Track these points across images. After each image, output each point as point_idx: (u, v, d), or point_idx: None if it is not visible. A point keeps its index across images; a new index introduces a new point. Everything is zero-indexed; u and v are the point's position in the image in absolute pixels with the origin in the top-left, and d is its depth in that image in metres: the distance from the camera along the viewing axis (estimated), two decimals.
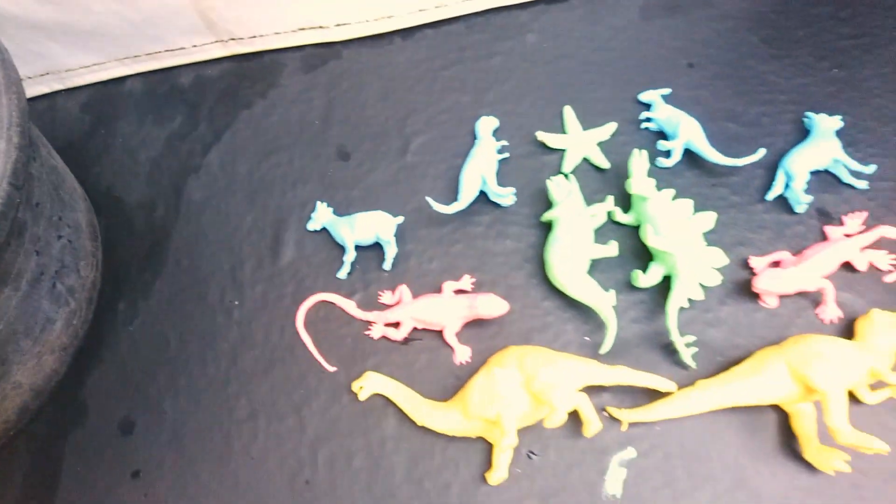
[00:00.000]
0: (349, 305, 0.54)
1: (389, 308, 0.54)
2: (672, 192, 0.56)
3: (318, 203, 0.58)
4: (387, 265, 0.56)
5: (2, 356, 0.43)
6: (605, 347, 0.50)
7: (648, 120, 0.61)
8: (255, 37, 0.65)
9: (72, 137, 0.66)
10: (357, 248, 0.57)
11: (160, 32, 0.62)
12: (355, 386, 0.52)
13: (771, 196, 0.56)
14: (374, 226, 0.55)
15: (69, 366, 0.52)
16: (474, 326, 0.54)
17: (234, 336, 0.55)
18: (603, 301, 0.51)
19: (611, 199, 0.54)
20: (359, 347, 0.54)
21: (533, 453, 0.49)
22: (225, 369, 0.54)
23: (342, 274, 0.56)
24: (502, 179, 0.59)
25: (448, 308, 0.52)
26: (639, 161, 0.56)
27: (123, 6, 0.58)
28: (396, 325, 0.53)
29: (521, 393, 0.47)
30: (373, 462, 0.50)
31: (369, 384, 0.51)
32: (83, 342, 0.54)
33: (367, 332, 0.54)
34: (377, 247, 0.57)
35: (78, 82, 0.66)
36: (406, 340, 0.53)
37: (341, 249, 0.57)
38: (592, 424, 0.47)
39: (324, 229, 0.58)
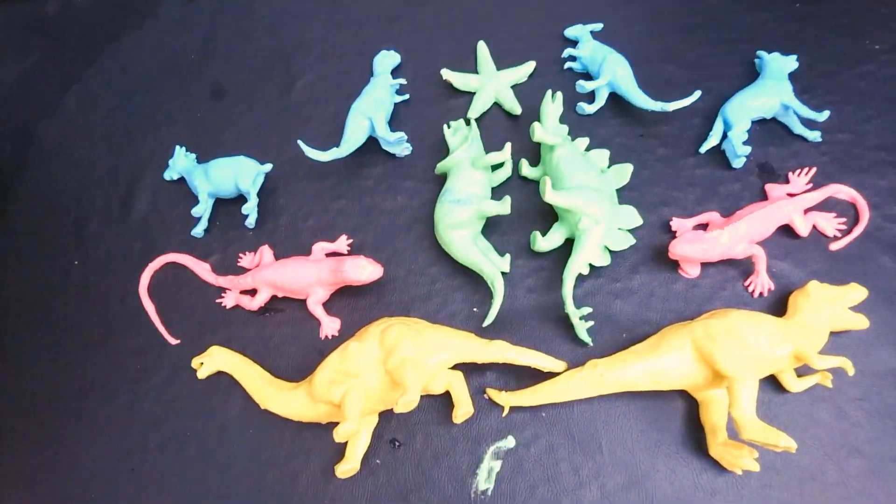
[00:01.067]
0: (202, 269, 0.48)
1: (247, 273, 0.47)
2: (586, 141, 0.49)
3: (177, 148, 0.52)
4: (249, 221, 0.49)
5: None
6: (489, 320, 0.44)
7: (573, 59, 0.54)
8: None
9: None
10: (218, 201, 0.50)
11: None
12: (196, 362, 0.46)
13: (704, 148, 0.49)
14: (232, 173, 0.48)
15: None
16: (348, 296, 0.47)
17: (71, 300, 0.49)
18: (490, 266, 0.44)
19: (508, 145, 0.47)
20: (209, 318, 0.48)
21: (397, 441, 0.43)
22: (57, 337, 0.49)
23: (197, 231, 0.50)
24: (398, 125, 0.53)
25: (311, 273, 0.45)
26: (551, 105, 0.49)
27: None
28: (253, 292, 0.47)
29: (377, 371, 0.41)
30: (210, 448, 0.44)
31: (211, 360, 0.46)
32: None
33: (219, 301, 0.48)
34: (243, 200, 0.50)
35: None
36: (262, 310, 0.47)
37: None
38: (462, 407, 0.41)
39: (182, 179, 0.52)
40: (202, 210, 0.49)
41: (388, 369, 0.41)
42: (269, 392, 0.44)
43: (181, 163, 0.50)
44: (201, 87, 0.56)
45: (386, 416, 0.44)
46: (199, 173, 0.49)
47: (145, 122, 0.55)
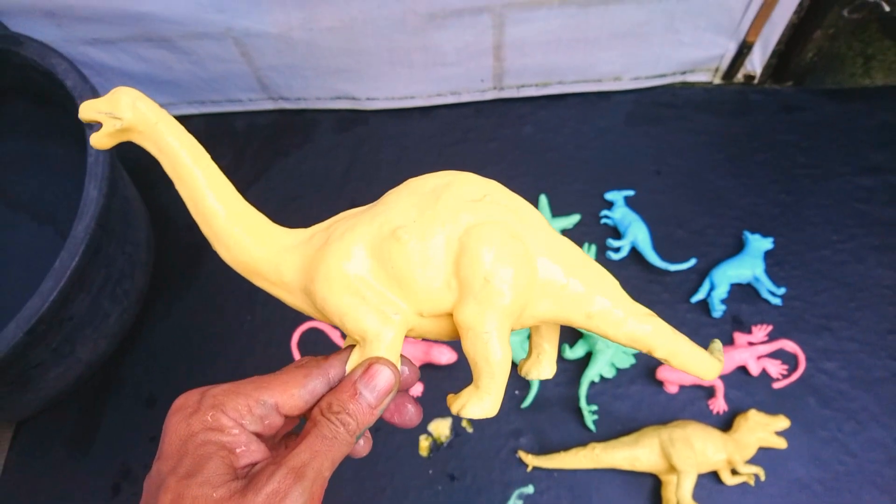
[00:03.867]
0: (335, 334, 0.71)
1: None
2: None
3: None
4: None
5: (72, 340, 0.61)
6: (527, 402, 0.65)
7: (607, 217, 0.76)
8: (299, 98, 0.82)
9: (142, 162, 0.84)
10: None
11: (223, 87, 0.80)
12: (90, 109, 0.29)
13: (695, 299, 0.70)
14: None
15: (115, 349, 0.70)
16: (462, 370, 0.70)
17: (241, 344, 0.73)
18: None
19: None
20: None
21: (454, 476, 0.65)
22: (231, 369, 0.72)
23: None
24: None
25: (416, 350, 0.68)
26: (587, 253, 0.71)
27: (196, 68, 0.76)
28: None
29: (438, 290, 0.29)
30: None
31: (117, 108, 0.29)
32: (128, 332, 0.72)
33: None
34: None
35: None
36: None
37: None
38: (545, 363, 0.34)
39: None
40: None
41: (468, 282, 0.28)
42: (226, 207, 0.31)
43: None
44: (342, 201, 0.80)
45: (445, 452, 0.66)
46: None
47: (300, 223, 0.79)
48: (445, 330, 0.30)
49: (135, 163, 0.84)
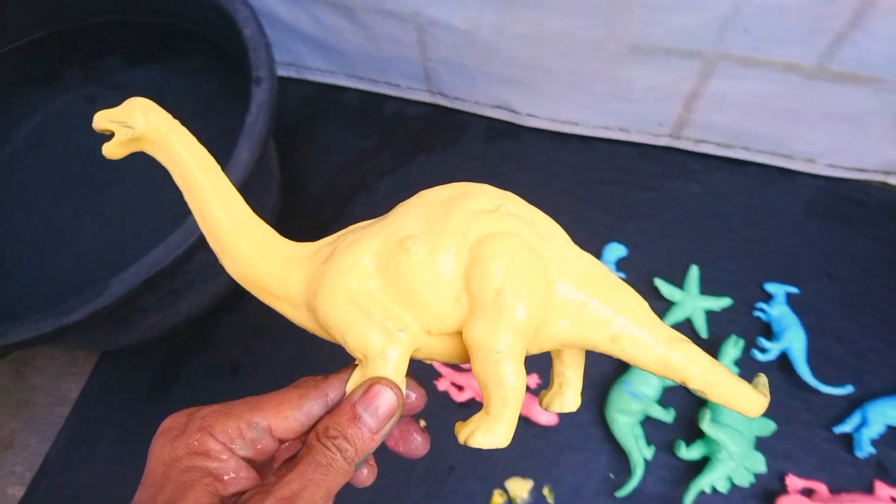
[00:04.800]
0: None
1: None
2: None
3: None
4: None
5: (178, 293, 0.61)
6: (623, 492, 0.59)
7: (763, 311, 0.68)
8: (457, 98, 0.78)
9: (288, 120, 0.83)
10: None
11: (386, 68, 0.78)
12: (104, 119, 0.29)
13: (839, 430, 0.62)
14: None
15: (212, 308, 0.69)
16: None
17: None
18: (638, 454, 0.60)
19: None
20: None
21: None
22: (311, 354, 0.69)
23: None
24: None
25: None
26: (732, 348, 0.64)
27: (368, 43, 0.74)
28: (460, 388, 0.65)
29: (448, 303, 0.28)
30: None
31: (131, 119, 0.29)
32: (231, 294, 0.71)
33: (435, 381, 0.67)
34: None
35: (309, 77, 0.84)
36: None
37: None
38: (570, 394, 0.32)
39: None
40: None
41: (477, 294, 0.27)
42: (234, 221, 0.30)
43: None
44: None
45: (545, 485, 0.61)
46: None
47: None
48: (456, 351, 0.28)
49: (281, 121, 0.83)
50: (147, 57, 0.78)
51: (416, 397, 0.30)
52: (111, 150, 0.29)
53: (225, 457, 0.26)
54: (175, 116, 0.30)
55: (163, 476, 0.25)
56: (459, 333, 0.28)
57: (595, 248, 0.73)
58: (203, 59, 0.74)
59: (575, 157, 0.78)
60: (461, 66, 0.72)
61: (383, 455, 0.33)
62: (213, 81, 0.75)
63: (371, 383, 0.27)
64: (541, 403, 0.32)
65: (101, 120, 0.28)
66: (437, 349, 0.28)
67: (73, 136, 0.76)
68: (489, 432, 0.27)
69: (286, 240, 0.31)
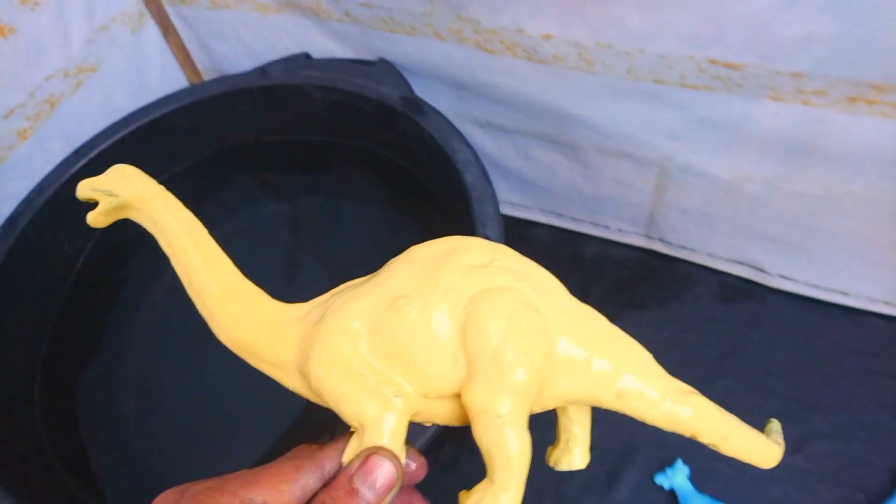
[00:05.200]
0: None
1: None
2: None
3: None
4: None
5: None
6: None
7: None
8: (684, 247, 0.64)
9: None
10: None
11: (597, 208, 0.65)
12: (87, 187, 0.28)
13: None
14: None
15: None
16: None
17: None
18: None
19: None
20: None
21: None
22: None
23: None
24: None
25: None
26: None
27: (584, 181, 0.61)
28: None
29: (445, 364, 0.26)
30: None
31: (114, 186, 0.28)
32: None
33: None
34: None
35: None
36: None
37: None
38: (577, 451, 0.30)
39: None
40: None
41: (476, 361, 0.25)
42: (221, 283, 0.28)
43: None
44: (712, 392, 0.60)
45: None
46: None
47: None
48: (455, 414, 0.27)
49: None
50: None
51: (416, 466, 0.28)
52: (95, 219, 0.29)
53: None
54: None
55: None
56: (459, 395, 0.26)
57: (886, 467, 0.55)
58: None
59: (839, 334, 0.61)
60: (704, 216, 0.58)
61: None
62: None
63: (368, 454, 0.25)
64: (548, 461, 0.30)
65: (85, 189, 0.28)
66: (436, 412, 0.27)
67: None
68: (495, 502, 0.25)
69: (277, 301, 0.29)
